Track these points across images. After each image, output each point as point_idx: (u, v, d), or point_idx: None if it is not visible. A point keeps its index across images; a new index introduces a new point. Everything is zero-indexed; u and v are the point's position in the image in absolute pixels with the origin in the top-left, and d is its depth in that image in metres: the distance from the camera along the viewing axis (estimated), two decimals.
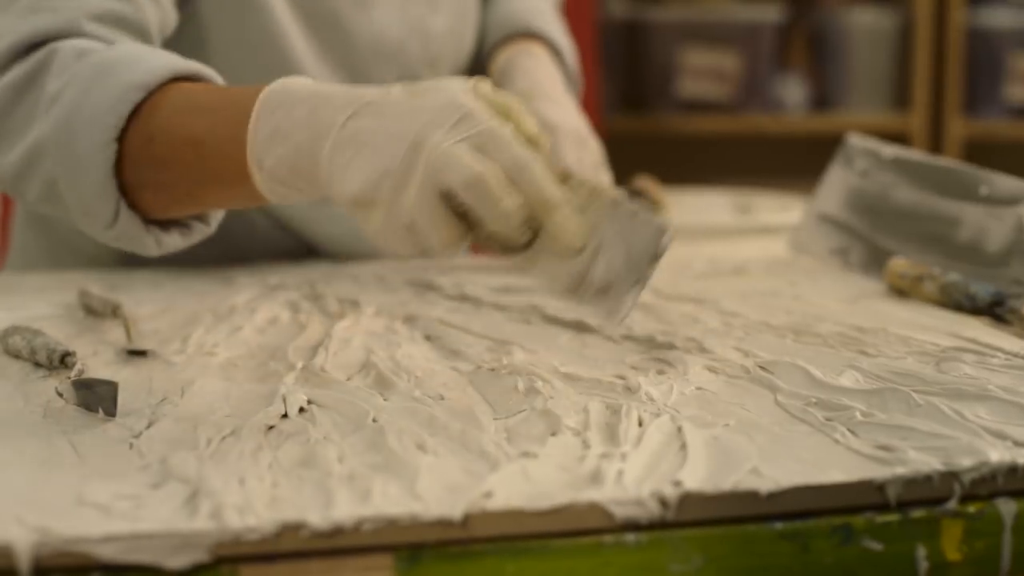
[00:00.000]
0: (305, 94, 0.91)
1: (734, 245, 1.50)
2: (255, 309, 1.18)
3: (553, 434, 0.81)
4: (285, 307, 1.19)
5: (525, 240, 0.87)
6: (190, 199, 0.99)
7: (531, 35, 1.46)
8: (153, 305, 1.19)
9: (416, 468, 0.75)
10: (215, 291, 1.26)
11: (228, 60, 1.26)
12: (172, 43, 1.20)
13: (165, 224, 1.04)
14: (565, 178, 0.88)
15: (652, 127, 3.15)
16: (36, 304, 1.20)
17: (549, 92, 1.39)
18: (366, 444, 0.80)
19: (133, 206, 1.01)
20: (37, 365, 0.99)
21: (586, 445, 0.79)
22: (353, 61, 1.34)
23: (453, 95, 0.86)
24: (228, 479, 0.74)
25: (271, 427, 0.83)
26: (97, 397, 0.87)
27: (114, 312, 1.13)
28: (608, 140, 2.77)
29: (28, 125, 1.04)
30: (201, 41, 1.27)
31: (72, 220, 1.04)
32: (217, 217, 1.07)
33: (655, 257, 0.85)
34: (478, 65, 1.48)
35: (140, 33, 1.12)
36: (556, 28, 1.50)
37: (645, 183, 1.68)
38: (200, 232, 1.06)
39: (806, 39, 3.29)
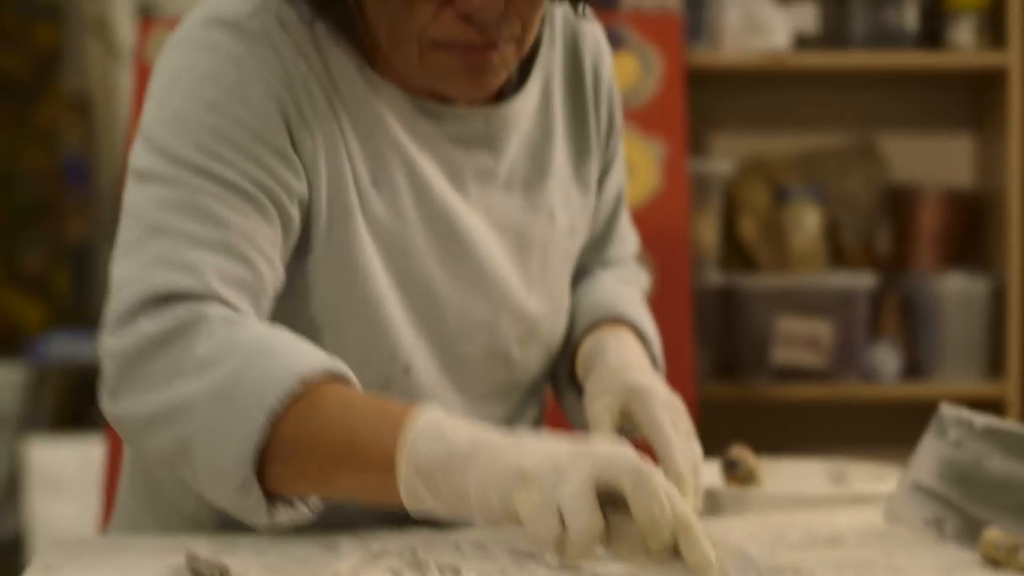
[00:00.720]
0: (466, 421, 1.06)
1: (829, 515, 1.51)
2: None
3: None
4: (387, 574, 1.21)
5: (663, 547, 0.98)
6: (320, 479, 1.06)
7: (620, 320, 1.50)
8: (259, 570, 1.21)
9: None
10: (318, 556, 1.28)
11: (328, 316, 1.31)
12: (281, 294, 1.26)
13: (274, 498, 1.10)
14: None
15: (747, 395, 3.17)
16: (146, 566, 1.23)
17: (637, 366, 1.43)
18: None
19: (259, 478, 1.07)
20: None
21: None
22: (443, 331, 1.38)
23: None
24: None
25: None
26: None
27: (221, 575, 1.15)
28: (702, 408, 2.81)
29: (170, 381, 1.10)
30: (306, 295, 1.32)
31: (193, 480, 1.10)
32: (319, 503, 1.13)
33: None
34: (568, 349, 1.52)
35: (256, 297, 1.20)
36: (644, 316, 1.54)
37: (740, 452, 1.70)
38: (303, 513, 1.14)
39: (898, 306, 3.31)
